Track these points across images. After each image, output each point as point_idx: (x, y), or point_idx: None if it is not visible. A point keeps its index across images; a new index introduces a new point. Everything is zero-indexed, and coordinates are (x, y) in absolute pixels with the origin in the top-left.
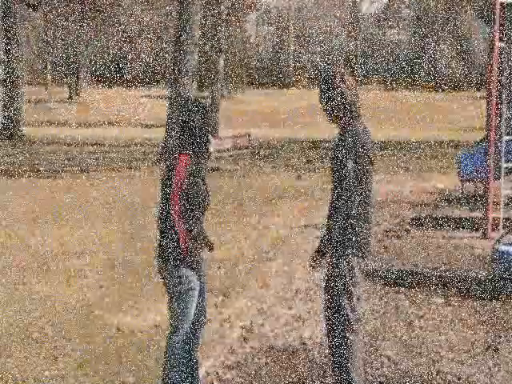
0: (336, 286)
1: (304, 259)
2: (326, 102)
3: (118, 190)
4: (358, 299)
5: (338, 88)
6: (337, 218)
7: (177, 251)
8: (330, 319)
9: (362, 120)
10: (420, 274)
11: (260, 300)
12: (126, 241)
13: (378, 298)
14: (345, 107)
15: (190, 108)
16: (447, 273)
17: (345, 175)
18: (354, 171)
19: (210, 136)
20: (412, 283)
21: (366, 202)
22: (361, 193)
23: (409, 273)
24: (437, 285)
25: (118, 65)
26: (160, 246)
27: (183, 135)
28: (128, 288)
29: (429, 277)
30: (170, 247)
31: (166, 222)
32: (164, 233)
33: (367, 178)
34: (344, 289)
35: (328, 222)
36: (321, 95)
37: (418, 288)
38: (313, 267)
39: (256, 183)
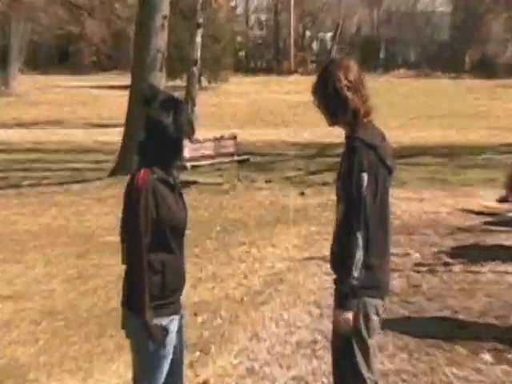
0: (347, 337)
1: (307, 302)
2: (324, 104)
3: (60, 213)
4: (375, 355)
5: (335, 87)
6: (345, 246)
7: (139, 301)
8: (339, 381)
9: (373, 123)
10: (462, 322)
11: (249, 357)
12: (69, 280)
13: (406, 354)
14: (346, 110)
15: (153, 103)
16: (498, 321)
17: (356, 192)
18: (368, 186)
19: (183, 139)
20: (451, 335)
21: (382, 226)
22: (377, 214)
23: (447, 321)
24: (485, 337)
25: (61, 47)
26: (122, 287)
27: (145, 139)
28: (72, 343)
29: (474, 326)
30: (134, 292)
31: (128, 256)
32: (128, 272)
33: (384, 195)
34: (357, 341)
35: (332, 251)
36: (314, 91)
37: (460, 341)
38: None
39: (245, 201)
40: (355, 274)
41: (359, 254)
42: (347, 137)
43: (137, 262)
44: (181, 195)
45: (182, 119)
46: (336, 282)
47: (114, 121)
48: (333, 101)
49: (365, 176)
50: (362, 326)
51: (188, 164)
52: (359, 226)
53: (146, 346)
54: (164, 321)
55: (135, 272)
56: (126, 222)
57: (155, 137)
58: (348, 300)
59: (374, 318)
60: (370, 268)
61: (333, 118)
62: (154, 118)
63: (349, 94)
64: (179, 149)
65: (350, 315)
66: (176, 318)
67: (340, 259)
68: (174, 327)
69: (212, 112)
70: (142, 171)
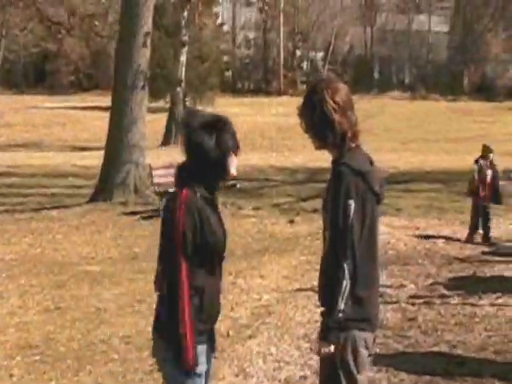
0: (334, 372)
1: (297, 336)
2: (311, 127)
3: (35, 241)
4: None
5: (322, 109)
6: (331, 277)
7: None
8: None
9: (361, 148)
10: (460, 357)
11: None
12: (46, 312)
13: None
14: (333, 133)
15: (192, 125)
16: (498, 357)
17: (343, 220)
18: (356, 214)
19: (228, 156)
20: (449, 371)
21: (370, 256)
22: (364, 244)
23: (444, 356)
24: (483, 373)
25: (38, 66)
26: (156, 313)
27: (187, 162)
28: (48, 379)
29: (472, 362)
30: (169, 321)
31: (167, 286)
32: (162, 300)
33: (372, 223)
34: (345, 376)
35: (320, 282)
36: (301, 113)
37: (458, 377)
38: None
39: (231, 229)
40: (341, 306)
41: (346, 286)
42: (334, 162)
43: (183, 294)
44: (220, 215)
45: (226, 137)
46: (322, 314)
47: (94, 144)
48: (320, 123)
49: (352, 203)
50: (351, 361)
51: (237, 183)
52: (346, 257)
53: (178, 376)
54: (198, 349)
55: (182, 306)
56: (169, 246)
57: (197, 159)
58: (331, 333)
59: (364, 351)
60: (359, 300)
61: (320, 141)
62: (194, 141)
63: (336, 117)
64: (224, 167)
65: (331, 348)
66: (207, 347)
67: (326, 291)
68: (205, 357)
69: None
70: (185, 191)
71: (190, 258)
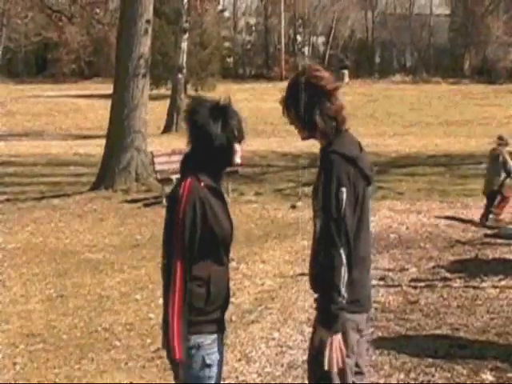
0: (322, 357)
1: (299, 320)
2: (297, 115)
3: (37, 230)
4: (358, 373)
5: (310, 95)
6: (328, 264)
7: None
8: None
9: (349, 132)
10: (461, 340)
11: (238, 379)
12: (48, 301)
13: (403, 374)
14: (322, 119)
15: (199, 112)
16: (500, 339)
17: (336, 208)
18: (348, 200)
19: (233, 144)
20: (450, 353)
21: (361, 239)
22: (356, 227)
23: (446, 339)
24: (485, 356)
25: (39, 55)
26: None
27: (194, 150)
28: (51, 366)
29: (474, 344)
30: (168, 321)
31: (169, 274)
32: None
33: (363, 207)
34: (334, 362)
35: (312, 269)
36: (286, 102)
37: (460, 360)
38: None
39: (233, 215)
40: (343, 292)
41: (344, 272)
42: (323, 149)
43: (175, 284)
44: (225, 203)
45: (232, 124)
46: (320, 301)
47: (95, 132)
48: (307, 111)
49: (344, 191)
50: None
51: (238, 169)
52: (342, 243)
53: (189, 368)
54: (206, 339)
55: (172, 296)
56: (170, 235)
57: (204, 146)
58: (337, 322)
59: (353, 334)
60: (350, 282)
61: (308, 130)
62: (201, 128)
63: (323, 102)
64: (230, 155)
65: (340, 337)
66: (218, 336)
67: (325, 279)
68: (216, 346)
69: None
70: (189, 179)
71: (190, 249)
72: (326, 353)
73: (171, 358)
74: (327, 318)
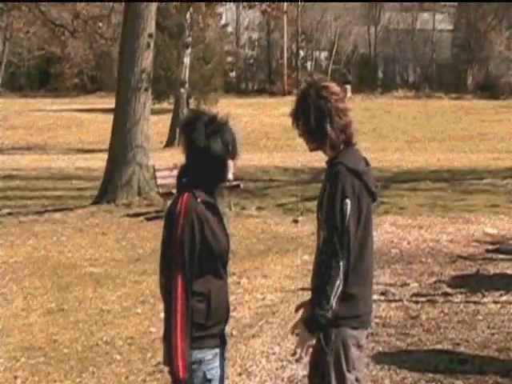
0: (325, 370)
1: None
2: (306, 127)
3: (39, 243)
4: None
5: (319, 107)
6: (326, 273)
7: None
8: None
9: (356, 147)
10: (462, 355)
11: None
12: (50, 314)
13: None
14: (332, 131)
15: (195, 126)
16: (501, 355)
17: (340, 220)
18: (352, 214)
19: (229, 160)
20: (451, 368)
21: (364, 255)
22: (359, 243)
23: (447, 354)
24: (486, 371)
25: (42, 69)
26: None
27: (189, 164)
28: (52, 380)
29: (475, 360)
30: (170, 337)
31: (168, 291)
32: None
33: (367, 223)
34: (336, 375)
35: (313, 281)
36: (296, 114)
37: (460, 375)
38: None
39: (235, 230)
40: (333, 304)
41: (339, 285)
42: (329, 161)
43: (177, 302)
44: (221, 218)
45: (227, 139)
46: (312, 304)
47: (98, 146)
48: (317, 123)
49: (348, 203)
50: (343, 359)
51: (241, 184)
52: (342, 255)
53: (191, 382)
54: (207, 354)
55: (173, 324)
56: (168, 252)
57: (199, 160)
58: (316, 327)
59: (354, 350)
60: (351, 297)
61: (317, 141)
62: (197, 142)
63: (334, 114)
64: (224, 170)
65: (313, 340)
66: (219, 351)
67: (319, 287)
68: (217, 361)
69: None
70: (185, 195)
71: (189, 264)
72: (299, 346)
73: (175, 377)
74: (310, 322)
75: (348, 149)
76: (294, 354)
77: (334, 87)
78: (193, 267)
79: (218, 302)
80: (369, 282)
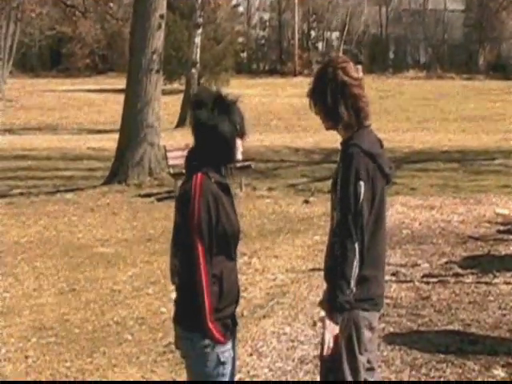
0: (335, 354)
1: (311, 315)
2: (322, 103)
3: (51, 223)
4: (369, 369)
5: (340, 84)
6: (341, 256)
7: (199, 319)
8: None
9: (371, 129)
10: (473, 336)
11: (250, 373)
12: (61, 294)
13: (414, 370)
14: (348, 110)
15: (203, 105)
16: None
17: (354, 202)
18: (365, 196)
19: (237, 140)
20: (462, 349)
21: (377, 237)
22: (372, 225)
23: (458, 335)
24: (497, 352)
25: (53, 49)
26: (175, 305)
27: (198, 144)
28: (63, 360)
29: (486, 340)
30: (187, 309)
31: (182, 273)
32: (180, 289)
33: (380, 205)
34: (347, 357)
35: (327, 262)
36: (313, 93)
37: (471, 356)
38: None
39: (246, 210)
40: (353, 285)
41: (356, 267)
42: (344, 142)
43: (200, 276)
44: (233, 199)
45: (236, 118)
46: (329, 291)
47: (109, 126)
48: (334, 101)
49: (362, 184)
50: (355, 341)
51: (251, 164)
52: (357, 237)
53: (204, 366)
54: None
55: (199, 287)
56: (184, 232)
57: (208, 140)
58: (342, 313)
59: (366, 332)
60: (364, 280)
61: (333, 120)
62: (205, 121)
63: (349, 96)
64: (234, 149)
65: (337, 330)
66: (231, 332)
67: (335, 270)
68: (229, 343)
69: None
70: (199, 175)
71: (206, 245)
72: (326, 339)
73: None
74: (333, 308)
75: (363, 130)
76: (323, 348)
77: (352, 68)
78: (211, 248)
79: (230, 284)
80: (381, 264)
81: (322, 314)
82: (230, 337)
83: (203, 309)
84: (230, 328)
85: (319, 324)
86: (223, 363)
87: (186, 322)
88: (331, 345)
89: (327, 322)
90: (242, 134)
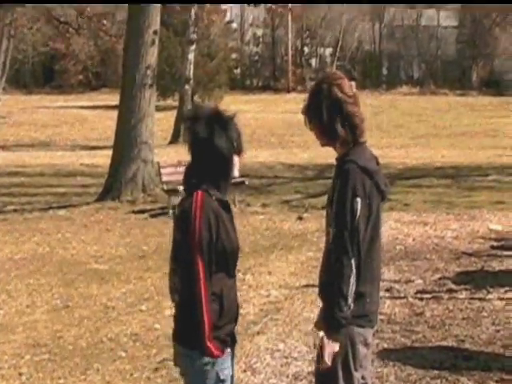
0: (332, 368)
1: (305, 332)
2: (317, 120)
3: (44, 240)
4: None
5: (334, 100)
6: (337, 273)
7: (198, 336)
8: None
9: (367, 146)
10: (467, 352)
11: None
12: (54, 311)
13: None
14: (344, 126)
15: (199, 121)
16: (506, 351)
17: (350, 218)
18: (362, 212)
19: (234, 157)
20: (456, 365)
21: (372, 253)
22: (368, 241)
23: (452, 351)
24: (491, 368)
25: (46, 66)
26: (175, 322)
27: (194, 161)
28: (57, 377)
29: (480, 356)
30: (187, 326)
31: (182, 290)
32: (179, 306)
33: (376, 221)
34: (343, 373)
35: (322, 278)
36: (308, 110)
37: (465, 372)
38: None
39: (240, 227)
40: (350, 302)
41: (353, 283)
42: (339, 158)
43: (200, 293)
44: (232, 217)
45: (233, 135)
46: (326, 309)
47: (102, 143)
48: (330, 118)
49: (359, 201)
50: (350, 357)
51: (245, 180)
52: (353, 254)
53: (203, 383)
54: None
55: (199, 304)
56: (185, 249)
57: (205, 155)
58: (339, 331)
59: (362, 348)
60: (359, 296)
61: (328, 137)
62: (202, 137)
63: (348, 109)
64: (230, 166)
65: (337, 347)
66: (231, 349)
67: (332, 287)
68: (229, 361)
69: None
70: (200, 192)
71: (207, 262)
72: (325, 356)
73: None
74: (331, 325)
75: (359, 147)
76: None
77: (347, 85)
78: (211, 265)
79: (230, 302)
80: (376, 281)
81: (321, 334)
82: (230, 353)
83: (202, 326)
84: (229, 345)
85: (313, 341)
86: (223, 381)
87: (185, 339)
88: (329, 363)
89: (325, 340)
90: (238, 151)
